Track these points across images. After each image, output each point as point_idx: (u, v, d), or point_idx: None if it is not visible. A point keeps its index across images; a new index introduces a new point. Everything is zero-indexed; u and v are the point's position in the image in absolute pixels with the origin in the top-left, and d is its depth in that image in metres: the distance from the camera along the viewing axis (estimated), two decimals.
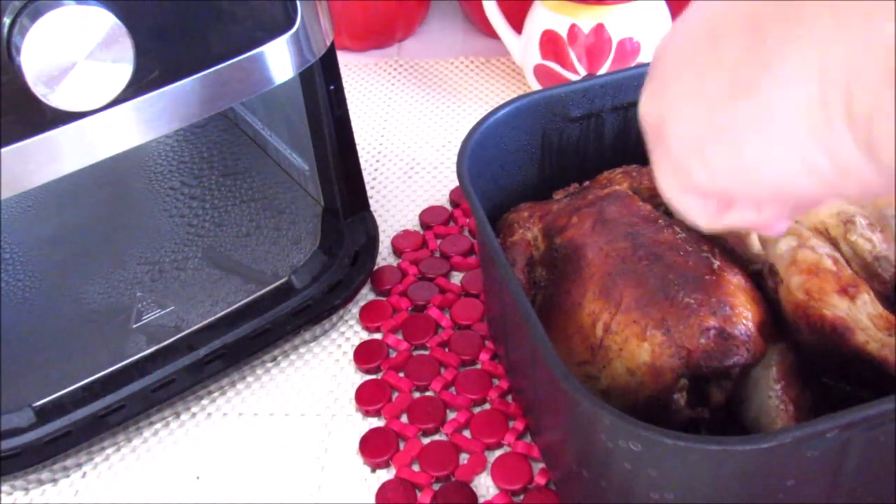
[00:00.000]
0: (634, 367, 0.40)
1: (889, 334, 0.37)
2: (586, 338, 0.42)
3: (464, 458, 0.49)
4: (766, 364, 0.41)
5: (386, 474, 0.49)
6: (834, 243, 0.42)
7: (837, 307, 0.39)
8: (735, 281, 0.41)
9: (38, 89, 0.36)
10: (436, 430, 0.50)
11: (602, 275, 0.42)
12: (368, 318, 0.57)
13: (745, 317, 0.40)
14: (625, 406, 0.41)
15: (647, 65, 0.50)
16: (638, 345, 0.40)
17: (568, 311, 0.43)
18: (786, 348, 0.41)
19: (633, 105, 0.52)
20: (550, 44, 0.69)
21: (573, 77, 0.69)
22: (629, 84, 0.51)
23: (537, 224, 0.48)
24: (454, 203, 0.66)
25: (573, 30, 0.67)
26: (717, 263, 0.42)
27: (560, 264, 0.45)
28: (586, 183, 0.50)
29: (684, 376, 0.39)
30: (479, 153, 0.47)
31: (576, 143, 0.52)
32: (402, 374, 0.53)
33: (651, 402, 0.40)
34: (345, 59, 0.80)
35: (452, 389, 0.52)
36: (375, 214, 0.60)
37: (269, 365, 0.55)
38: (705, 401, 0.41)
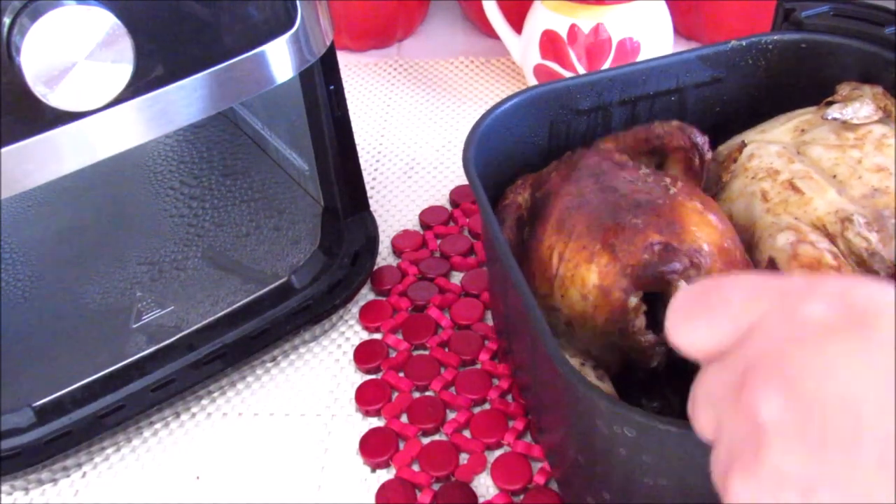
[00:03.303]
0: (586, 291, 0.41)
1: None
2: (545, 270, 0.43)
3: (464, 458, 0.49)
4: None
5: (386, 474, 0.49)
6: (831, 240, 0.42)
7: None
8: (690, 205, 0.41)
9: (38, 89, 0.36)
10: (436, 430, 0.50)
11: (559, 212, 0.43)
12: (368, 318, 0.57)
13: (695, 235, 0.39)
14: (588, 334, 0.41)
15: (652, 60, 0.51)
16: (587, 268, 0.41)
17: (532, 249, 0.44)
18: None
19: (641, 99, 0.52)
20: (550, 44, 0.69)
21: None
22: (637, 78, 0.51)
23: (527, 189, 0.48)
24: (454, 203, 0.66)
25: (573, 30, 0.67)
26: (673, 190, 0.42)
27: (536, 215, 0.46)
28: (578, 150, 0.51)
29: (633, 295, 0.40)
30: (485, 144, 0.47)
31: (583, 135, 0.52)
32: (402, 374, 0.53)
33: (610, 326, 0.41)
34: (345, 59, 0.80)
35: (452, 389, 0.52)
36: (375, 214, 0.60)
37: (269, 365, 0.55)
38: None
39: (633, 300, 0.40)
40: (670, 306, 0.28)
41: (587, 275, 0.41)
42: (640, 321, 0.40)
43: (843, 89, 0.49)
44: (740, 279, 0.26)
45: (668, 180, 0.43)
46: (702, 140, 0.46)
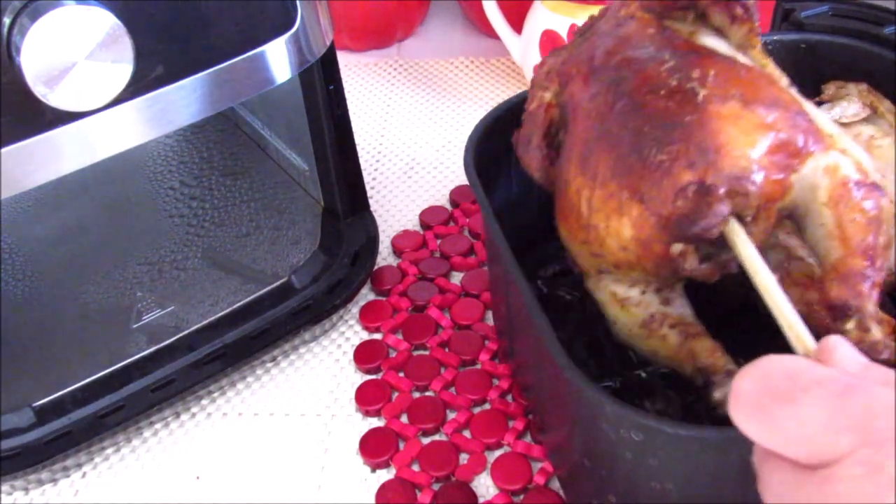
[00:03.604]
0: (624, 243, 0.36)
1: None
2: (578, 217, 0.38)
3: (464, 458, 0.49)
4: (809, 184, 0.34)
5: (386, 474, 0.49)
6: None
7: None
8: (726, 111, 0.33)
9: (38, 89, 0.36)
10: (436, 430, 0.50)
11: (581, 143, 0.38)
12: (368, 318, 0.57)
13: (734, 156, 0.33)
14: (639, 274, 0.38)
15: None
16: (619, 220, 0.36)
17: (562, 190, 0.40)
18: (840, 162, 0.34)
19: None
20: (550, 44, 0.69)
21: None
22: None
23: (555, 81, 0.42)
24: (454, 203, 0.66)
25: (573, 30, 0.67)
26: (702, 94, 0.34)
27: (563, 127, 0.41)
28: (604, 7, 0.43)
29: (676, 243, 0.35)
30: (486, 145, 0.47)
31: None
32: (402, 374, 0.53)
33: (660, 270, 0.37)
34: (345, 59, 0.80)
35: (452, 389, 0.52)
36: (375, 214, 0.60)
37: (269, 365, 0.55)
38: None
39: (678, 247, 0.35)
40: (732, 393, 0.26)
41: (621, 228, 0.36)
42: (692, 261, 0.35)
43: (829, 89, 0.49)
44: (811, 388, 0.24)
45: (696, 76, 0.35)
46: None
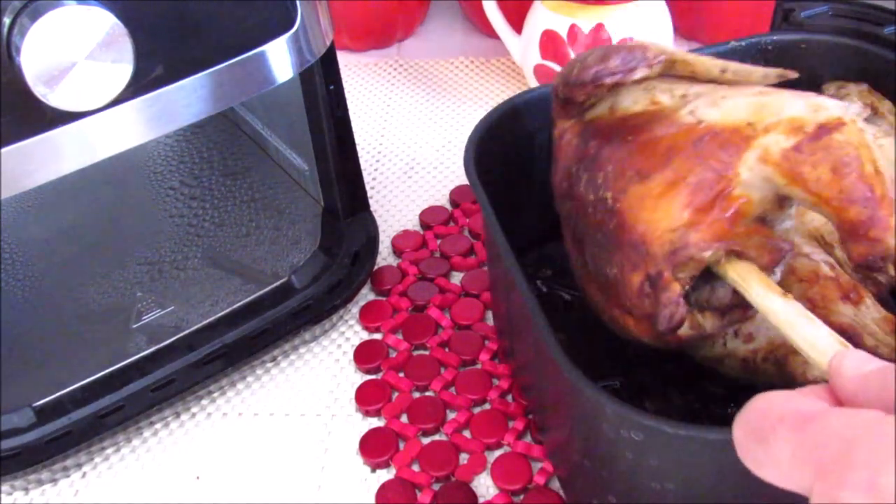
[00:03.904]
0: (654, 343, 0.39)
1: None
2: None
3: (464, 458, 0.49)
4: (762, 180, 0.33)
5: (386, 474, 0.49)
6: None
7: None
8: (631, 200, 0.34)
9: (38, 89, 0.36)
10: (436, 430, 0.50)
11: (580, 283, 0.42)
12: (368, 318, 0.57)
13: (659, 235, 0.33)
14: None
15: None
16: (631, 331, 0.39)
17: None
18: (767, 143, 0.32)
19: None
20: (550, 44, 0.69)
21: None
22: None
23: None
24: (454, 203, 0.66)
25: (573, 30, 0.67)
26: (609, 197, 0.35)
27: None
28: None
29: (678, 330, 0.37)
30: (486, 145, 0.47)
31: None
32: (402, 374, 0.53)
33: (695, 342, 0.38)
34: (345, 59, 0.80)
35: (452, 389, 0.52)
36: (375, 214, 0.60)
37: (269, 365, 0.55)
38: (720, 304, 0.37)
39: (685, 330, 0.37)
40: (733, 433, 0.26)
41: (638, 334, 0.39)
42: (711, 323, 0.36)
43: (830, 89, 0.49)
44: (776, 427, 0.24)
45: (601, 181, 0.36)
46: (594, 72, 0.36)
